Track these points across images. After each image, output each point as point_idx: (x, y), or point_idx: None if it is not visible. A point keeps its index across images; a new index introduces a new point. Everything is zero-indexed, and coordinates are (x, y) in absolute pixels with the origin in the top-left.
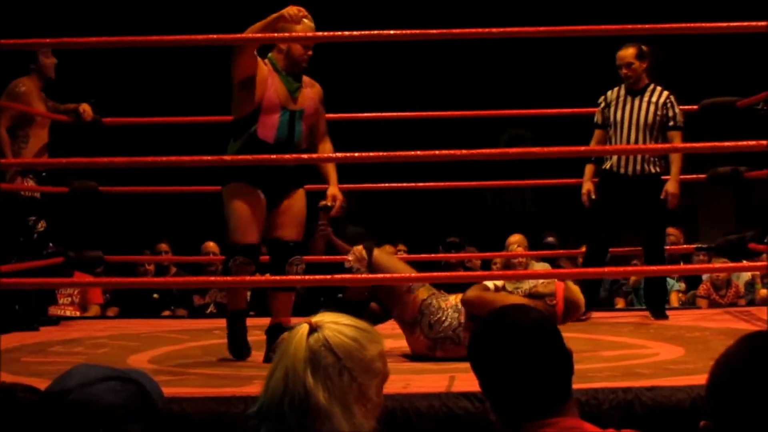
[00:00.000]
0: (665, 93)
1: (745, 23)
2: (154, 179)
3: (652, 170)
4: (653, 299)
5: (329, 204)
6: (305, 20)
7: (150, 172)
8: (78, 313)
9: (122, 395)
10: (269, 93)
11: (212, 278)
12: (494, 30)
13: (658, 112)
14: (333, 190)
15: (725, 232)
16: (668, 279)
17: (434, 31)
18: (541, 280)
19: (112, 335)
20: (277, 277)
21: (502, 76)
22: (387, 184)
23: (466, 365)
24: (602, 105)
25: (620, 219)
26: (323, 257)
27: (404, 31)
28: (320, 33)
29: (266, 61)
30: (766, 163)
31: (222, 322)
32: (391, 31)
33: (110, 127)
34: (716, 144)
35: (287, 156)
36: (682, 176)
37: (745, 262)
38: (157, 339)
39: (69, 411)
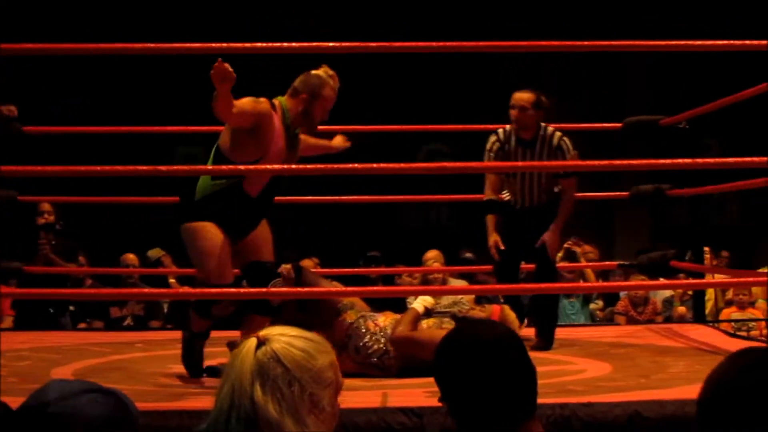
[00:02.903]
0: (556, 138)
1: (745, 42)
2: (76, 190)
3: (549, 200)
4: (540, 326)
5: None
6: (332, 82)
7: (73, 183)
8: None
9: (103, 407)
10: (275, 149)
11: (162, 290)
12: (420, 44)
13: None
14: (335, 139)
15: (640, 249)
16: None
17: (359, 44)
18: (462, 298)
19: (33, 347)
20: (209, 290)
21: (421, 90)
22: (303, 198)
23: (397, 381)
24: (496, 147)
25: (521, 240)
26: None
27: (339, 44)
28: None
29: (277, 104)
30: (683, 181)
31: (142, 335)
32: (331, 44)
33: (33, 136)
34: (718, 160)
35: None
36: (599, 194)
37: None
38: (79, 352)
39: (49, 424)
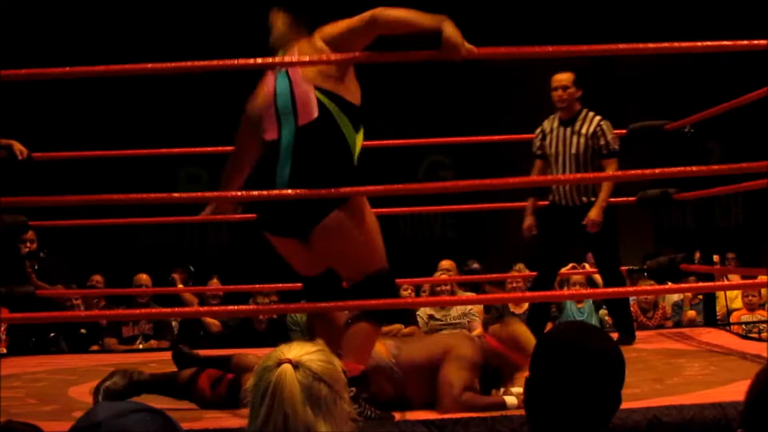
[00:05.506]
0: (596, 120)
1: (745, 42)
2: (80, 213)
3: (593, 200)
4: (617, 323)
5: None
6: None
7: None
8: (5, 350)
9: (153, 425)
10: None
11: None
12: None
13: (589, 143)
14: None
15: (646, 254)
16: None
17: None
18: (472, 309)
19: (48, 370)
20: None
21: (420, 103)
22: None
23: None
24: (539, 135)
25: (567, 246)
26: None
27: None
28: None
29: None
30: (687, 184)
31: (153, 356)
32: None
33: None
34: (718, 167)
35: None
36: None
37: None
38: (95, 372)
39: None
